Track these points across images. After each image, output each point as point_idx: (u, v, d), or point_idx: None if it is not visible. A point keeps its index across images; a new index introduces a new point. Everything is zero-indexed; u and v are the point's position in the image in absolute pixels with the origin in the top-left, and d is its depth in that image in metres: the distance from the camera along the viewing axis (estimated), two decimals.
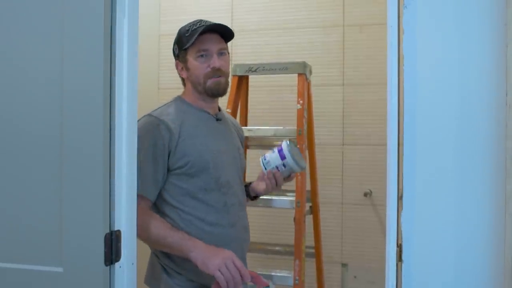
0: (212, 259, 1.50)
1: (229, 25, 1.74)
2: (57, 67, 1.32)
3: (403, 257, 1.32)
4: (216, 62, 1.69)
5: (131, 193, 1.37)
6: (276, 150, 1.75)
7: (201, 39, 1.68)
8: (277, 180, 1.73)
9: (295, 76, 2.47)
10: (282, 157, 1.72)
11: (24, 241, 1.36)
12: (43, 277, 1.33)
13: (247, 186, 1.86)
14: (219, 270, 1.48)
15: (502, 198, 1.25)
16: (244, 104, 2.67)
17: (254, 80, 2.76)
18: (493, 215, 1.27)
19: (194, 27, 1.69)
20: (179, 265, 1.64)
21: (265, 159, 1.75)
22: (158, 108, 1.72)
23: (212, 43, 1.70)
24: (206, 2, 3.13)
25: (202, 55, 1.69)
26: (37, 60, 1.35)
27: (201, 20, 1.71)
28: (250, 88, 2.69)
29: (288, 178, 1.78)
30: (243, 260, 1.75)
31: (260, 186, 1.81)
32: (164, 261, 1.66)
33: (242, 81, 2.61)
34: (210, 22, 1.71)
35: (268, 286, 1.52)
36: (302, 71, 2.44)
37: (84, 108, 1.31)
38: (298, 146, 2.21)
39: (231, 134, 1.83)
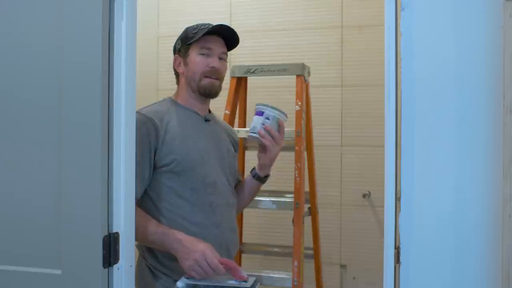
0: (186, 260, 1.52)
1: None
2: (56, 68, 1.33)
3: (401, 259, 1.32)
4: (216, 62, 1.74)
5: (130, 195, 1.37)
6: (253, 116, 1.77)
7: (207, 38, 1.74)
8: (271, 133, 1.73)
9: (293, 77, 2.47)
10: (260, 113, 1.74)
11: (22, 243, 1.36)
12: (41, 279, 1.34)
13: (253, 170, 1.86)
14: (193, 270, 1.51)
15: (500, 199, 1.25)
16: (243, 106, 2.67)
17: (252, 81, 2.76)
18: (491, 217, 1.28)
19: (203, 26, 1.74)
20: (166, 267, 1.64)
21: (249, 130, 1.76)
22: (148, 106, 1.74)
23: (216, 45, 1.76)
24: (205, 3, 3.13)
25: (204, 53, 1.73)
26: (33, 64, 1.35)
27: (210, 24, 1.75)
28: (248, 90, 2.69)
29: (280, 132, 1.76)
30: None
31: (262, 157, 1.79)
32: (151, 262, 1.67)
33: (241, 82, 2.61)
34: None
35: (246, 281, 1.49)
36: (301, 73, 2.44)
37: (82, 111, 1.31)
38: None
39: (220, 135, 1.83)
